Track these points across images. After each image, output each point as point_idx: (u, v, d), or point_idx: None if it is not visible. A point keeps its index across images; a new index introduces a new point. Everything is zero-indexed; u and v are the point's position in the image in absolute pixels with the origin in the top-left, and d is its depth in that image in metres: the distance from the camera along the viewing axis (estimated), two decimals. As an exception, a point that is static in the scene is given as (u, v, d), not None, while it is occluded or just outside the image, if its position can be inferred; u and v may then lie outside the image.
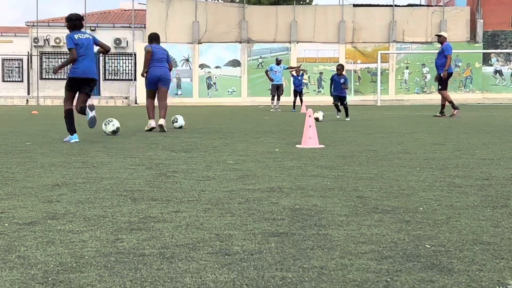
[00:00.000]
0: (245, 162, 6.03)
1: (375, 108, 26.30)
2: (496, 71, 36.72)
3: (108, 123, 9.87)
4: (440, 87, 16.36)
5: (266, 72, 23.12)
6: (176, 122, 11.63)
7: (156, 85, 11.12)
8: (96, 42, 9.00)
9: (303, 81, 24.27)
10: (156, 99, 11.16)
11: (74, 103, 8.83)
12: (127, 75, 37.94)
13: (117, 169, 5.52)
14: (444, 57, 15.99)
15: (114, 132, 9.79)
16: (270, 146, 7.83)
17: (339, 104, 15.61)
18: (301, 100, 22.33)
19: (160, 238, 2.87)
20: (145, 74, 11.20)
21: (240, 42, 35.75)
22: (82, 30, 9.04)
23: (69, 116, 8.66)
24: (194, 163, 5.93)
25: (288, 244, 2.77)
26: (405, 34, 36.10)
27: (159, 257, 2.55)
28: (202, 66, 35.62)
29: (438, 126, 11.88)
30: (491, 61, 36.66)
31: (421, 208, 3.60)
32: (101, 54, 9.42)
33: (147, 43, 11.62)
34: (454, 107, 16.04)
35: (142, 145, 7.97)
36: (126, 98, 36.85)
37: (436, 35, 17.65)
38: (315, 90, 35.38)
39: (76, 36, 8.73)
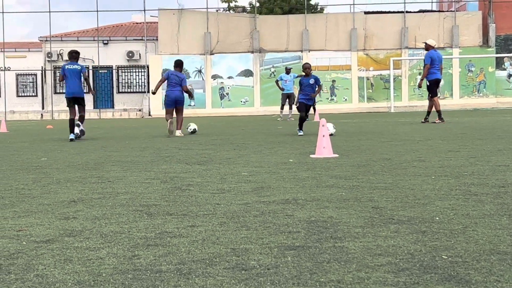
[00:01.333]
0: (260, 173, 6.04)
1: (389, 115, 26.22)
2: (509, 75, 36.47)
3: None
4: (430, 94, 16.51)
5: (277, 81, 23.27)
6: (189, 127, 14.08)
7: (173, 105, 13.70)
8: (83, 73, 12.45)
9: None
10: (174, 113, 13.78)
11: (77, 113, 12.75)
12: (140, 87, 38.10)
13: (132, 183, 5.54)
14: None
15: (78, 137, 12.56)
16: (284, 156, 7.84)
17: (304, 114, 12.61)
18: (314, 108, 22.29)
19: (177, 254, 2.89)
20: (153, 92, 14.39)
21: (252, 52, 35.81)
22: (75, 62, 12.63)
23: (70, 123, 12.45)
24: (208, 176, 5.95)
25: (305, 257, 2.77)
26: (417, 40, 35.94)
27: (176, 273, 2.56)
28: (214, 76, 35.69)
29: (452, 133, 11.83)
30: (504, 66, 36.43)
31: (437, 218, 3.59)
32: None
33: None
34: (440, 117, 16.11)
35: (157, 158, 8.00)
36: (139, 110, 37.01)
37: (423, 42, 17.64)
38: (327, 98, 35.35)
39: (66, 67, 12.52)
